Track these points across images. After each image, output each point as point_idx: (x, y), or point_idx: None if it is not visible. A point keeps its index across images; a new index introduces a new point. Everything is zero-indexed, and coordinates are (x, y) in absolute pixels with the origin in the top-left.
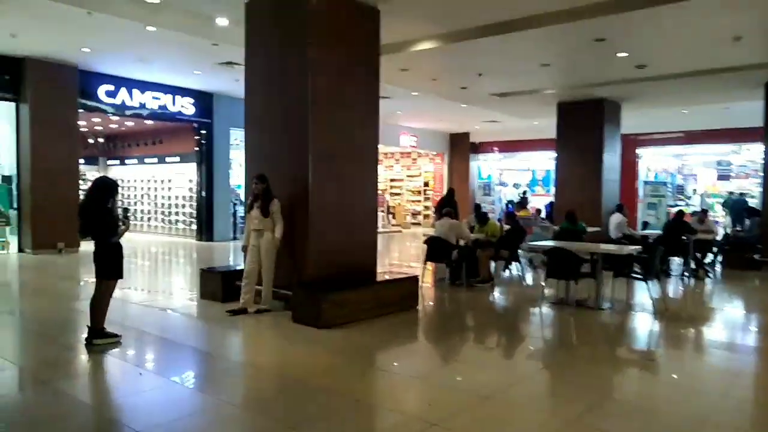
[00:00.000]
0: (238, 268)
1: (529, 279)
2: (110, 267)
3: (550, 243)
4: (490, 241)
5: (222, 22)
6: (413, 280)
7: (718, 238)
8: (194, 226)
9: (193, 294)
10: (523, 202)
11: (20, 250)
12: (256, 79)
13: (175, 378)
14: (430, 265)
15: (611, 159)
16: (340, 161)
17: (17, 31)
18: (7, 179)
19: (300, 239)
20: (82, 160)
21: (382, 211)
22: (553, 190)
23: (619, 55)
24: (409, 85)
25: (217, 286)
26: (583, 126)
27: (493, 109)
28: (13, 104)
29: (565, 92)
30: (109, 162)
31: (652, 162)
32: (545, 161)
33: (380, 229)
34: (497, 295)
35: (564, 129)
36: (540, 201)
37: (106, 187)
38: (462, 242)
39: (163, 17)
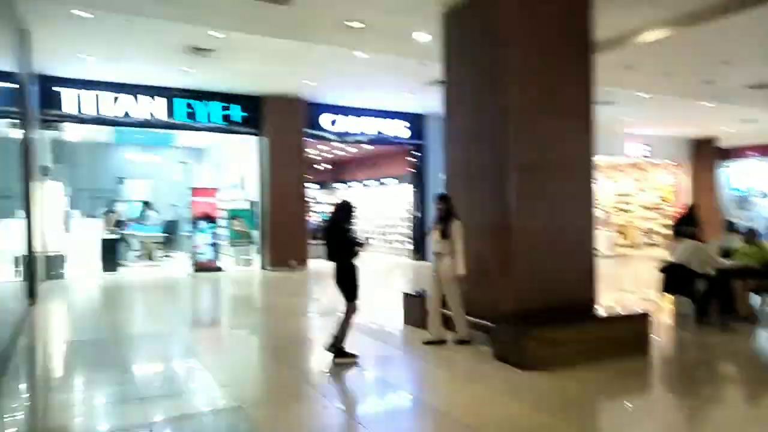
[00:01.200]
0: None
1: None
2: (353, 288)
3: None
4: (751, 269)
5: (421, 37)
6: (643, 318)
7: None
8: (409, 246)
9: (399, 317)
10: None
11: (262, 267)
12: (453, 91)
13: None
14: (668, 299)
15: None
16: (547, 176)
17: (252, 73)
18: (253, 204)
19: (501, 265)
20: (316, 186)
21: (608, 231)
22: None
23: None
24: (635, 86)
25: (419, 311)
26: None
27: (752, 105)
28: (255, 138)
29: None
30: (336, 185)
31: None
32: None
33: (605, 252)
34: (765, 340)
35: None
36: None
37: (349, 210)
38: (710, 270)
39: (367, 40)
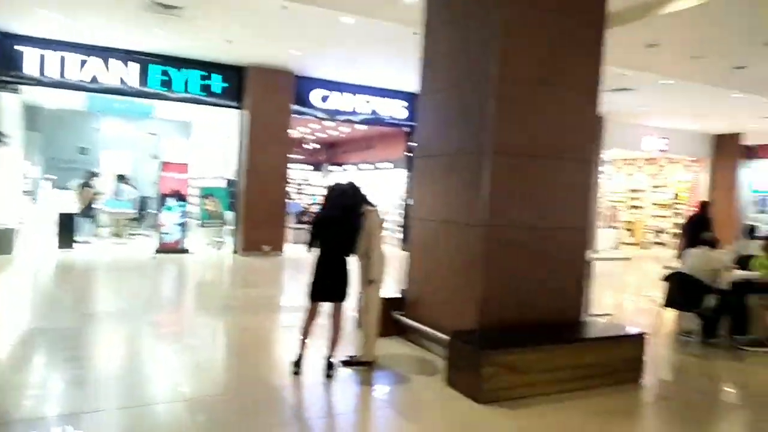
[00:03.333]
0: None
1: None
2: (346, 287)
3: None
4: None
5: None
6: (637, 340)
7: None
8: (399, 235)
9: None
10: None
11: (234, 251)
12: (432, 57)
13: None
14: (671, 312)
15: None
16: (537, 165)
17: (232, 37)
18: (231, 183)
19: (469, 267)
20: (309, 167)
21: (613, 227)
22: None
23: None
24: (658, 69)
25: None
26: None
27: None
28: (237, 111)
29: None
30: (330, 167)
31: None
32: None
33: (608, 251)
34: None
35: None
36: None
37: (360, 195)
38: (721, 283)
39: (348, 1)
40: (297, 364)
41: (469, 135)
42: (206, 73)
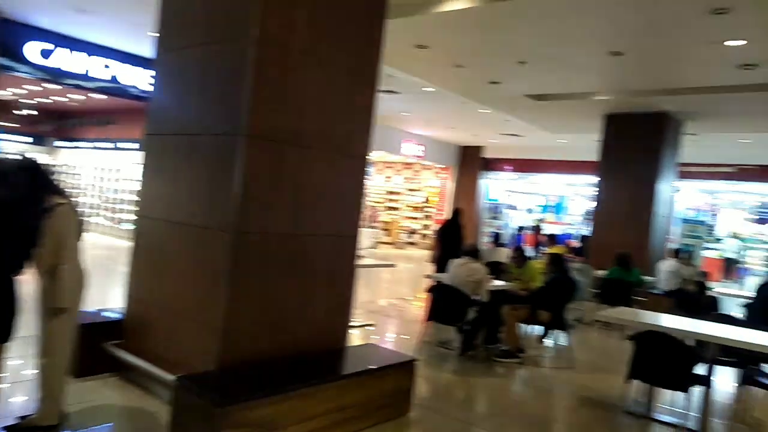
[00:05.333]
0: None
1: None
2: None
3: (646, 320)
4: (519, 295)
5: None
6: (407, 367)
7: None
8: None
9: None
10: (546, 234)
11: None
12: (174, 13)
13: None
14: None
15: (665, 191)
16: (305, 155)
17: None
18: None
19: (209, 288)
20: (29, 139)
21: (372, 227)
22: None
23: (730, 43)
24: (424, 74)
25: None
26: (635, 146)
27: (521, 118)
28: None
29: (620, 100)
30: (58, 144)
31: (685, 197)
32: (559, 186)
33: (369, 251)
34: (535, 382)
35: (611, 149)
36: (551, 231)
37: (41, 175)
38: (483, 295)
39: None
40: None
41: (218, 110)
42: None
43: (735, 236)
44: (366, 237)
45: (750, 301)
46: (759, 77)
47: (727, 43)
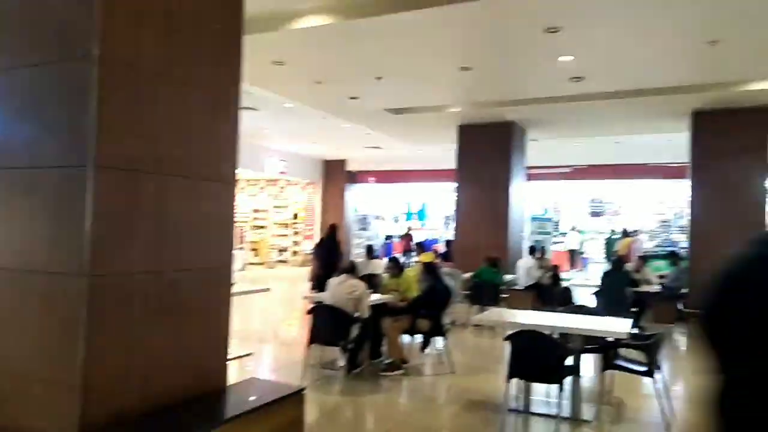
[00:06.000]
0: None
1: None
2: None
3: (517, 319)
4: (399, 307)
5: None
6: (294, 399)
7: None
8: None
9: None
10: (414, 241)
11: None
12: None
13: None
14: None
15: (517, 193)
16: (164, 184)
17: None
18: None
19: (63, 341)
20: None
21: (240, 248)
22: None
23: (562, 59)
24: (282, 90)
25: None
26: (488, 154)
27: (381, 131)
28: None
29: (471, 111)
30: None
31: (533, 197)
32: (422, 194)
33: (239, 274)
34: (421, 392)
35: (466, 156)
36: (418, 237)
37: None
38: (364, 312)
39: None
40: None
41: (59, 139)
42: None
43: (575, 230)
44: (235, 260)
45: (597, 289)
46: (585, 88)
47: (560, 58)
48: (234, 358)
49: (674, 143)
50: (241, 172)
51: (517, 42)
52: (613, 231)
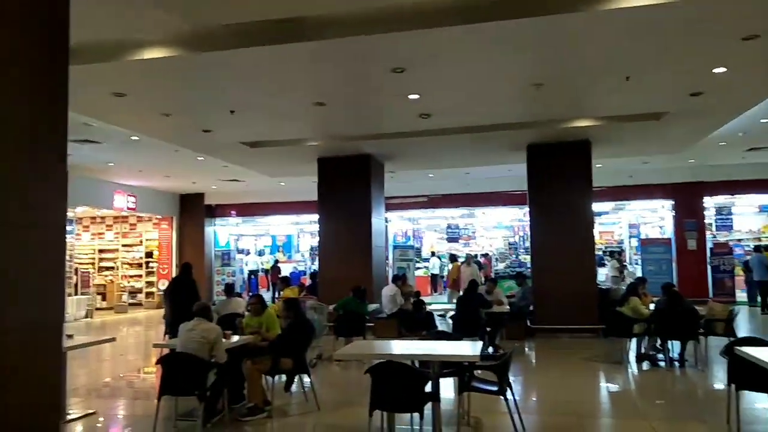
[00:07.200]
0: None
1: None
2: None
3: (378, 350)
4: (260, 347)
5: None
6: None
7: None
8: None
9: None
10: (281, 275)
11: None
12: None
13: None
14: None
15: (378, 224)
16: None
17: None
18: None
19: None
20: None
21: (84, 293)
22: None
23: (411, 96)
24: (125, 123)
25: None
26: (348, 185)
27: (240, 164)
28: None
29: (330, 145)
30: None
31: (393, 226)
32: (286, 226)
33: (83, 321)
34: None
35: (327, 188)
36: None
37: None
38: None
39: None
40: None
41: None
42: None
43: (436, 255)
44: (77, 305)
45: (453, 313)
46: (434, 124)
47: (409, 96)
48: (74, 419)
49: (515, 173)
50: (83, 210)
51: (367, 80)
52: (469, 255)
